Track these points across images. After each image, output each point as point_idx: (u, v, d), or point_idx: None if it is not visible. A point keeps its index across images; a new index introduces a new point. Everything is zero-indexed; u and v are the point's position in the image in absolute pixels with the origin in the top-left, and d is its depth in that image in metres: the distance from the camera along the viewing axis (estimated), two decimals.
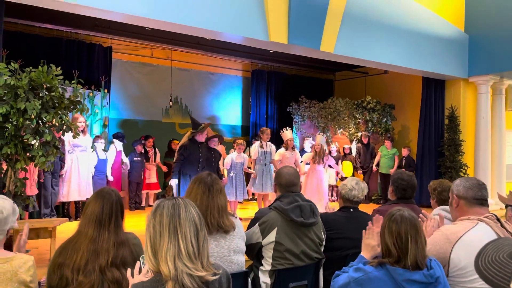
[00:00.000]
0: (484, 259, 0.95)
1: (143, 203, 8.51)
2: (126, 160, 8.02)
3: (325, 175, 8.34)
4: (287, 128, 8.13)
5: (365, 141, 9.95)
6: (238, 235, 2.51)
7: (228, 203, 2.71)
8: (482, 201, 2.30)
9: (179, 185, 6.42)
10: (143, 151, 8.36)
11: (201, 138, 6.46)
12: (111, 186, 7.60)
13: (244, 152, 7.74)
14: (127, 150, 8.29)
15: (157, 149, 8.87)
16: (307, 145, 9.73)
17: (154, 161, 8.66)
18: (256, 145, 7.69)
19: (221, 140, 7.16)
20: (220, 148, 6.99)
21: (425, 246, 1.97)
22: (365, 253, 2.11)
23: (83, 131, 6.92)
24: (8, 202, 2.03)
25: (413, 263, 1.90)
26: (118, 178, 7.90)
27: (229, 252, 2.40)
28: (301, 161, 8.32)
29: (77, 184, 6.91)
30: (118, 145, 7.92)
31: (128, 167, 8.03)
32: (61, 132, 4.52)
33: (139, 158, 8.19)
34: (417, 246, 1.92)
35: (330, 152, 9.45)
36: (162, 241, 1.47)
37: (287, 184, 2.88)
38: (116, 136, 8.02)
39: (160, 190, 8.78)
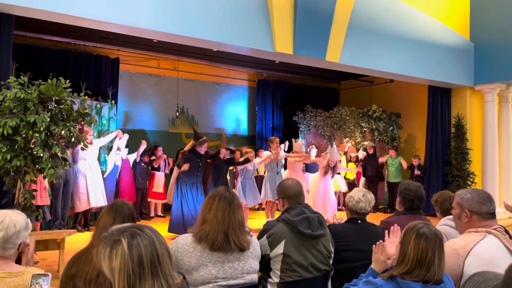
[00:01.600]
0: None
1: (152, 213, 8.56)
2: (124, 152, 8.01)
3: (332, 184, 8.37)
4: (301, 140, 8.29)
5: (370, 151, 9.92)
6: (253, 255, 2.48)
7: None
8: (493, 215, 2.29)
9: (177, 190, 6.69)
10: (148, 161, 8.41)
11: (200, 150, 6.74)
12: (121, 193, 7.68)
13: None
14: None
15: (166, 160, 8.92)
16: (312, 154, 9.71)
17: (164, 171, 8.72)
18: (266, 153, 7.85)
19: (232, 153, 7.41)
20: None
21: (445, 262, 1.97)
22: (376, 266, 2.10)
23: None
24: (22, 217, 2.05)
25: (434, 279, 1.88)
26: (131, 187, 7.94)
27: (242, 274, 2.39)
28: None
29: (93, 191, 6.96)
30: (123, 152, 7.97)
31: (122, 153, 8.00)
32: (69, 144, 4.56)
33: (144, 165, 8.28)
34: (440, 262, 1.91)
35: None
36: (143, 284, 1.31)
37: (296, 195, 2.89)
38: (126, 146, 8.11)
39: (165, 201, 8.80)
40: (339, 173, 9.93)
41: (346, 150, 10.16)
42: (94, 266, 2.03)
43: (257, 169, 9.06)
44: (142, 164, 8.24)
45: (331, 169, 8.05)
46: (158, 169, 8.60)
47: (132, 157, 8.22)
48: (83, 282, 2.00)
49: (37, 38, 8.29)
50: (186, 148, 6.93)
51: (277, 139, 7.95)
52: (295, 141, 8.31)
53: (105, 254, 1.34)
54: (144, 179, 8.30)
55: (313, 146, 9.85)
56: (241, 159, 7.45)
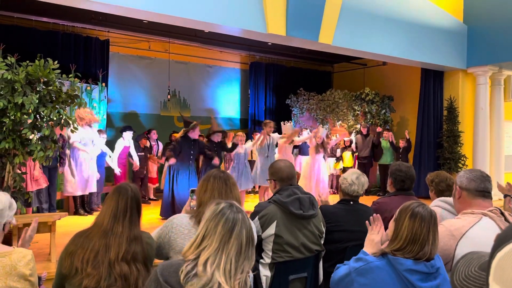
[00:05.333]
0: (458, 276, 0.96)
1: (149, 196, 8.58)
2: (135, 157, 7.96)
3: (325, 164, 8.39)
4: (289, 122, 8.23)
5: (364, 131, 9.94)
6: None
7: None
8: (485, 193, 2.26)
9: (169, 176, 6.62)
10: (147, 145, 8.37)
11: (193, 135, 6.65)
12: (117, 179, 7.63)
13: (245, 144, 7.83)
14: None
15: (159, 142, 8.86)
16: (305, 134, 9.70)
17: (157, 155, 8.69)
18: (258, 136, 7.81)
19: (224, 135, 7.32)
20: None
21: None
22: (368, 249, 2.08)
23: (89, 124, 6.90)
24: (5, 197, 2.02)
25: (427, 257, 1.89)
26: (124, 172, 7.89)
27: None
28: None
29: (82, 178, 6.89)
30: (127, 138, 7.88)
31: (138, 163, 7.98)
32: (58, 126, 4.50)
33: (142, 153, 8.21)
34: (434, 241, 1.92)
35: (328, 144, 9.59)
36: (210, 245, 1.58)
37: (288, 177, 2.88)
38: (124, 129, 8.01)
39: (158, 185, 8.77)
40: (334, 156, 9.96)
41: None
42: (93, 246, 2.04)
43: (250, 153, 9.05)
44: (139, 153, 8.15)
45: (321, 146, 8.05)
46: (150, 152, 8.57)
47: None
48: (80, 260, 2.00)
49: (24, 19, 8.11)
50: (179, 134, 6.84)
51: (272, 123, 7.81)
52: (284, 124, 8.28)
53: None
54: (143, 166, 8.24)
55: (306, 128, 9.82)
56: (229, 146, 7.39)
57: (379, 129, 9.88)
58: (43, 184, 6.10)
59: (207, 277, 1.54)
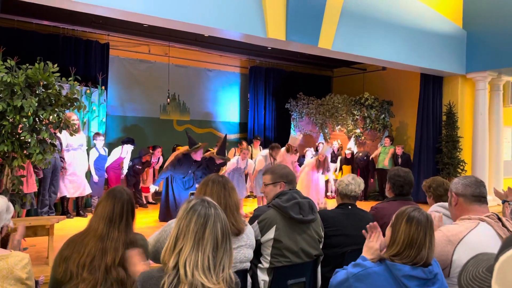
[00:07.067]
0: (465, 276, 0.97)
1: (144, 200, 8.57)
2: (125, 170, 8.01)
3: (321, 176, 8.34)
4: (300, 135, 8.20)
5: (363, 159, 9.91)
6: (247, 245, 2.46)
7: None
8: (481, 198, 2.27)
9: (167, 189, 6.68)
10: (149, 159, 8.36)
11: (195, 156, 6.56)
12: (109, 180, 7.64)
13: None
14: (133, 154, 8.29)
15: (161, 158, 8.80)
16: (309, 155, 9.53)
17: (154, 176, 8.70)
18: (263, 156, 7.76)
19: (224, 163, 7.25)
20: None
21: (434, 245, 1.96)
22: (367, 255, 2.07)
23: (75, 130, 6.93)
24: (2, 200, 2.01)
25: (424, 261, 1.88)
26: (118, 176, 7.87)
27: (234, 263, 2.37)
28: (300, 164, 8.41)
29: (69, 182, 6.93)
30: (126, 150, 7.88)
31: (123, 175, 8.04)
32: (57, 129, 4.50)
33: (140, 167, 8.22)
34: (431, 245, 1.91)
35: (332, 150, 9.62)
36: (185, 245, 1.53)
37: (294, 181, 2.97)
38: (126, 141, 7.98)
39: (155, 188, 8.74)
40: (335, 163, 9.95)
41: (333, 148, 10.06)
42: (90, 251, 2.01)
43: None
44: (137, 166, 8.13)
45: (322, 164, 7.97)
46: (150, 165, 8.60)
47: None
48: (76, 265, 1.98)
49: (24, 22, 8.12)
50: (181, 150, 6.79)
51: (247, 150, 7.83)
52: (293, 136, 8.30)
53: None
54: (138, 178, 8.31)
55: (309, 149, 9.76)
56: (219, 160, 7.13)
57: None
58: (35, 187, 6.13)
59: (190, 280, 1.49)
